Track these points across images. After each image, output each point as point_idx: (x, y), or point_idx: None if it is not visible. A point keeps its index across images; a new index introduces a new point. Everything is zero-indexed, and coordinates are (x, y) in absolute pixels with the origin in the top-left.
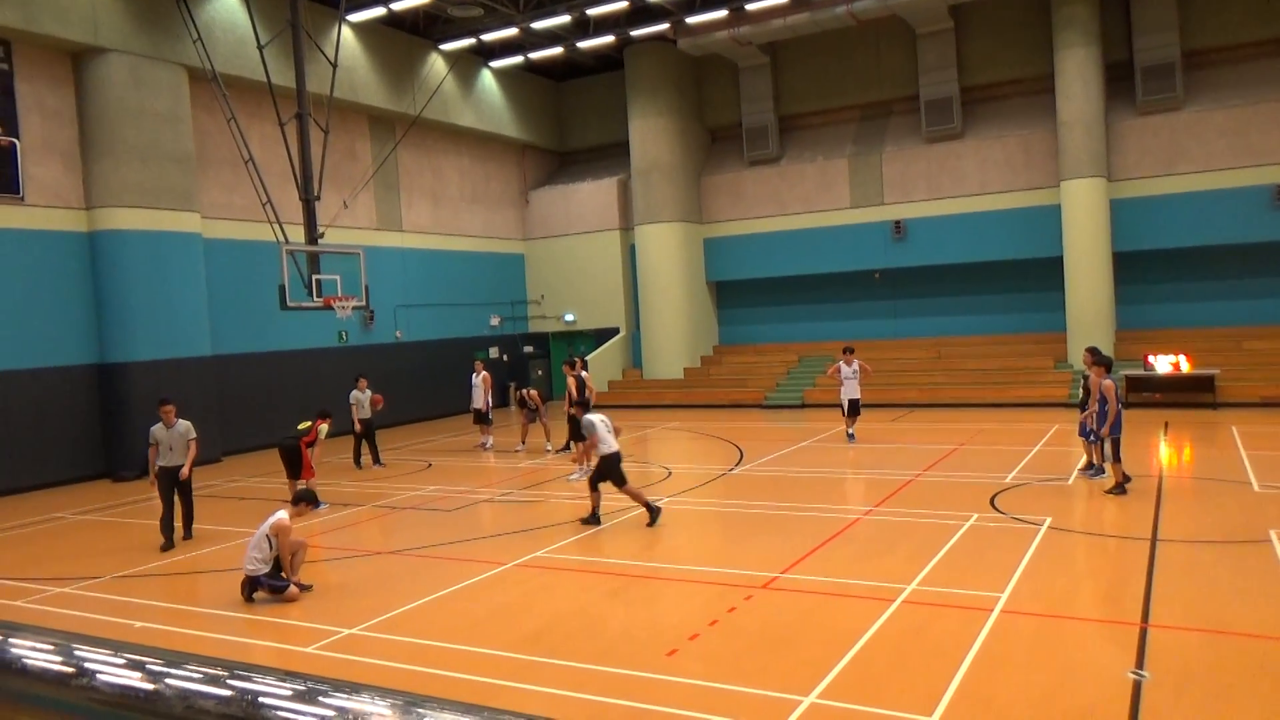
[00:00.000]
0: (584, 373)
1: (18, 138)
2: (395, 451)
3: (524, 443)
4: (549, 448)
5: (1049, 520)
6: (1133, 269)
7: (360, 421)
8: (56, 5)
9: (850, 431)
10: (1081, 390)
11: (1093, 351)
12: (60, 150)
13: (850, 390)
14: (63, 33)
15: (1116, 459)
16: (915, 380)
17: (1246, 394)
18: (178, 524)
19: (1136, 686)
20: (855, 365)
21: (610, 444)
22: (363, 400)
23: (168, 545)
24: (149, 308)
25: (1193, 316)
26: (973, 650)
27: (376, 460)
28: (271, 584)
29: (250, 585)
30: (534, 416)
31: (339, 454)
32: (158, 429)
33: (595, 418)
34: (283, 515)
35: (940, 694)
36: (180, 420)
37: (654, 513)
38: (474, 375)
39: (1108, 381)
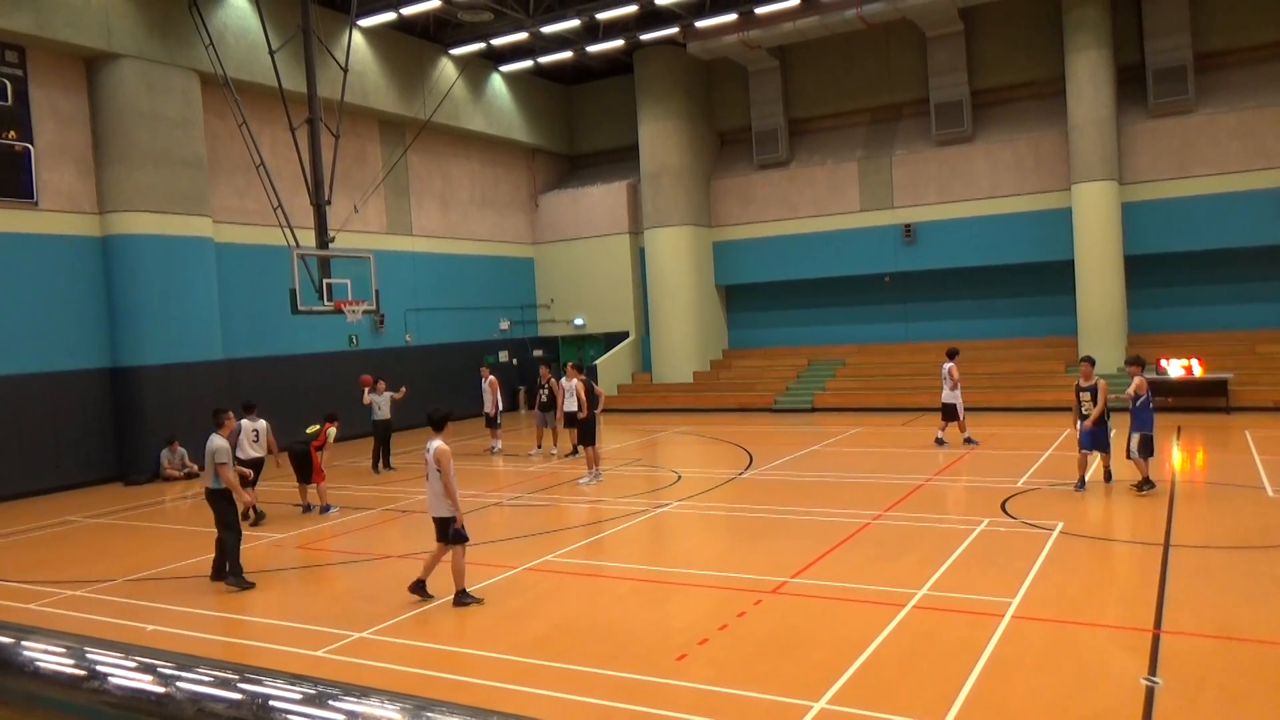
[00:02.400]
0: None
1: (31, 143)
2: (405, 455)
3: (540, 446)
4: (553, 452)
5: (1061, 525)
6: (1145, 272)
7: (377, 423)
8: (70, 11)
9: (970, 435)
10: (1083, 401)
11: (1090, 361)
12: (73, 155)
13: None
14: (76, 38)
15: (1144, 454)
16: (926, 384)
17: (1260, 398)
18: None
19: (1149, 693)
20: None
21: (247, 453)
22: (379, 402)
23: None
24: (161, 312)
25: (1206, 320)
26: (984, 656)
27: (386, 464)
28: (459, 531)
29: (446, 526)
30: (545, 419)
31: (349, 458)
32: (222, 440)
33: (246, 422)
34: (440, 444)
35: (951, 699)
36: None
37: (259, 517)
38: (483, 380)
39: (1141, 379)
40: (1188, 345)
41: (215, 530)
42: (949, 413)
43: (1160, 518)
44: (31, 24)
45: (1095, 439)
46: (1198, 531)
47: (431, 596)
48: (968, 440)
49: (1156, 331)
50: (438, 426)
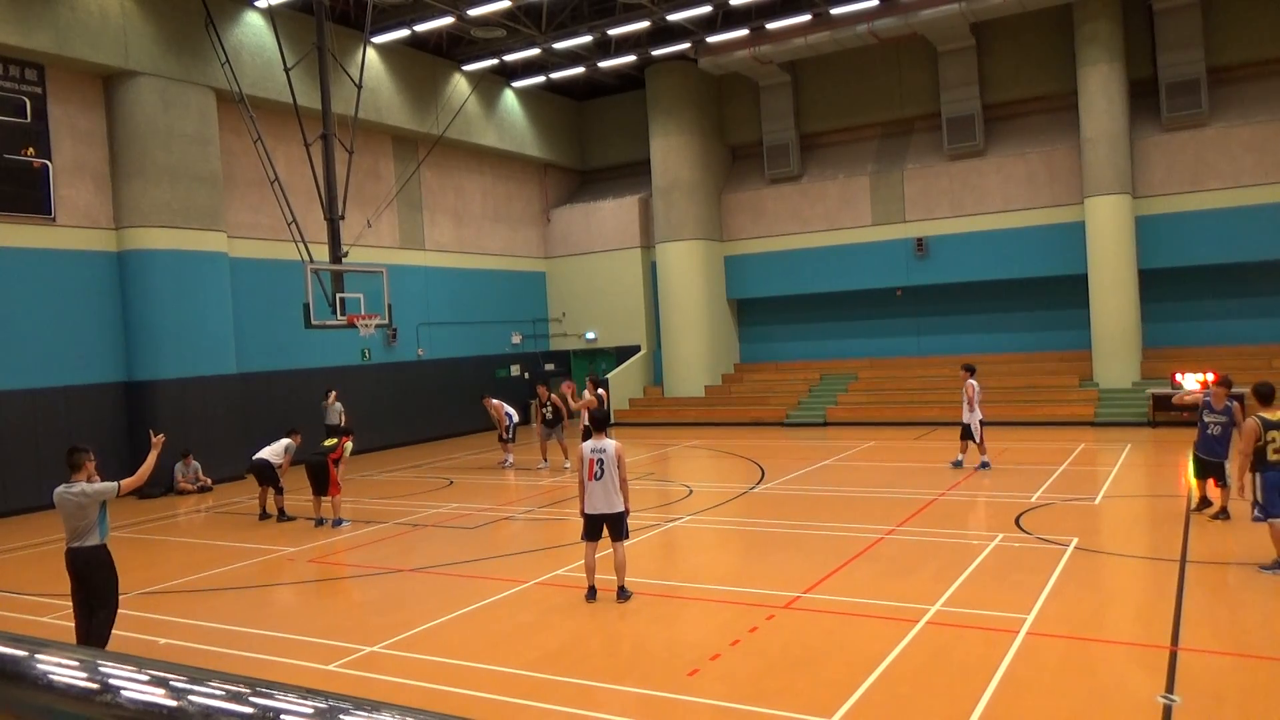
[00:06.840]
0: (601, 391)
1: (50, 160)
2: (416, 469)
3: (545, 460)
4: (566, 465)
5: (1075, 541)
6: (1159, 286)
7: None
8: (88, 29)
9: (958, 459)
10: (1209, 423)
11: (1227, 384)
12: (91, 171)
13: (964, 412)
14: (94, 56)
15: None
16: (939, 398)
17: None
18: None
19: (1167, 711)
20: (967, 385)
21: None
22: (330, 411)
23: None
24: (176, 326)
25: (1221, 334)
26: (998, 673)
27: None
28: (626, 525)
29: (622, 521)
30: (550, 433)
31: (362, 470)
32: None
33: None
34: (615, 441)
35: (966, 717)
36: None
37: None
38: (487, 408)
39: (1236, 404)
40: (1203, 359)
41: (103, 599)
42: (967, 433)
43: (1176, 534)
44: (51, 43)
45: (1216, 469)
46: (1214, 548)
47: (631, 594)
48: (982, 464)
49: (1171, 346)
50: (600, 426)
